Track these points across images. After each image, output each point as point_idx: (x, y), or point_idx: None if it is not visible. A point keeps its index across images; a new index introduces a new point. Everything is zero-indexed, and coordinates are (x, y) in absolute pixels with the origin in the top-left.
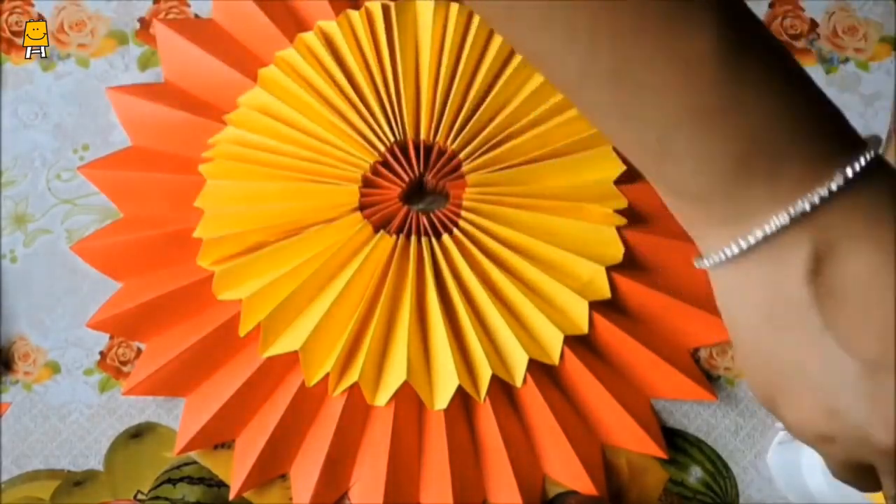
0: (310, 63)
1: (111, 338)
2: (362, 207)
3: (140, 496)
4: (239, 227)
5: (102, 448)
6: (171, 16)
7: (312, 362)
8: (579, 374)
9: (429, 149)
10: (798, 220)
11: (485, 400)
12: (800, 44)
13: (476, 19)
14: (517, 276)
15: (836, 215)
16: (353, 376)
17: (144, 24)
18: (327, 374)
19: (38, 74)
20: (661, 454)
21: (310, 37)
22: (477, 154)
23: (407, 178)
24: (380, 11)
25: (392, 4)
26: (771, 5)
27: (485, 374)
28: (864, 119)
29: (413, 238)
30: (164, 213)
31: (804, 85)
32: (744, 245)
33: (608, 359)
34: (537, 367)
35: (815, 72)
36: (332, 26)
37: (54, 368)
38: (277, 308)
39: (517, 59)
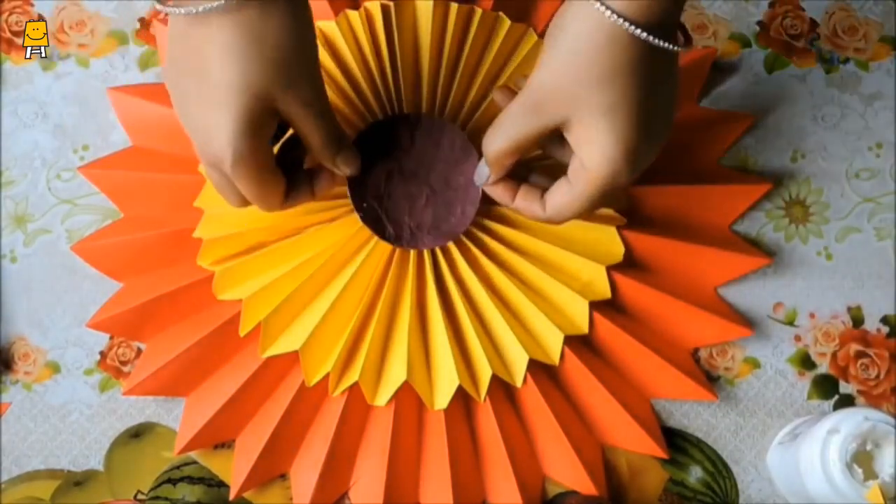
0: None
1: (111, 338)
2: None
3: (140, 496)
4: (239, 227)
5: (102, 448)
6: None
7: (312, 362)
8: (579, 374)
9: None
10: None
11: (485, 400)
12: (800, 44)
13: (476, 19)
14: (517, 275)
15: None
16: (353, 376)
17: (144, 24)
18: (327, 374)
19: (38, 74)
20: (662, 454)
21: None
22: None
23: None
24: (379, 11)
25: (391, 4)
26: (771, 5)
27: (485, 374)
28: (864, 119)
29: None
30: (164, 213)
31: None
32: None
33: (608, 359)
34: (537, 367)
35: (815, 72)
36: (331, 26)
37: (54, 368)
38: (277, 308)
39: (517, 59)
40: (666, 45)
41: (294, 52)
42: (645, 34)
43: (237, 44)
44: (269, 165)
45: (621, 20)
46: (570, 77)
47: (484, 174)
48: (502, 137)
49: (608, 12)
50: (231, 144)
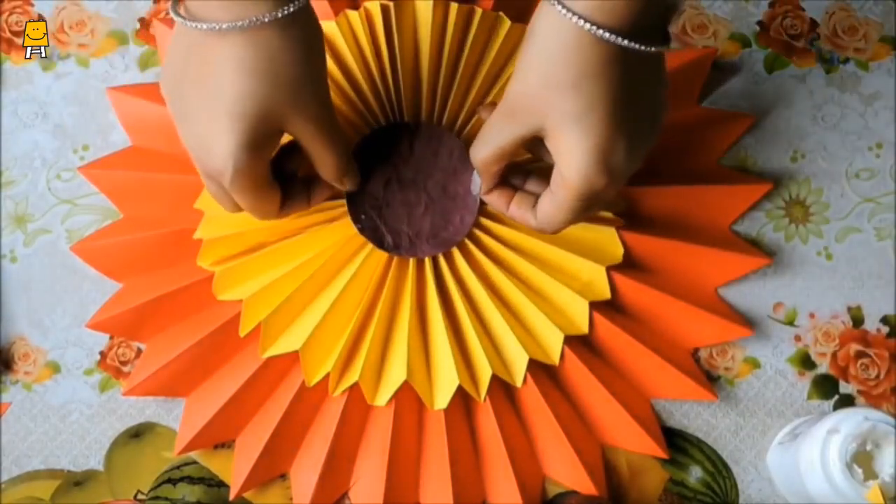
0: None
1: (111, 338)
2: None
3: (140, 496)
4: (239, 227)
5: (102, 448)
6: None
7: (312, 362)
8: (579, 374)
9: None
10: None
11: (485, 400)
12: (800, 44)
13: (476, 19)
14: (517, 276)
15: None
16: (353, 376)
17: (144, 24)
18: (327, 374)
19: (38, 74)
20: (662, 454)
21: None
22: None
23: None
24: (379, 12)
25: (391, 4)
26: (771, 5)
27: (485, 374)
28: (864, 119)
29: None
30: (164, 213)
31: None
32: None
33: (608, 359)
34: (537, 367)
35: (815, 72)
36: (331, 26)
37: (54, 368)
38: (278, 308)
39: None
40: (636, 46)
41: (307, 76)
42: (609, 35)
43: (251, 61)
44: (268, 179)
45: (584, 23)
46: (541, 83)
47: (479, 183)
48: (485, 145)
49: (570, 14)
50: (232, 158)
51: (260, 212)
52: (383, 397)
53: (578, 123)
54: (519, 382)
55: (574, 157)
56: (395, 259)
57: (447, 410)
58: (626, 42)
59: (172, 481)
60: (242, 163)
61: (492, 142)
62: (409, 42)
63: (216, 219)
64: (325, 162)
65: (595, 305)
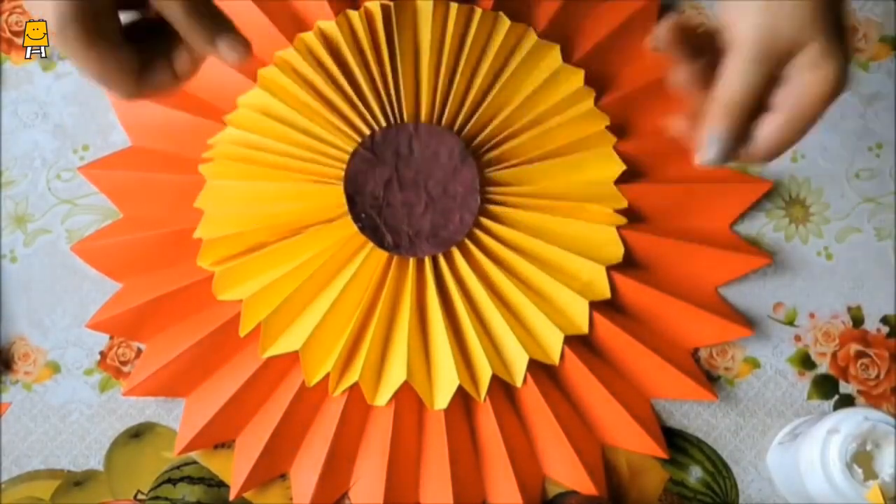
0: (309, 63)
1: (111, 338)
2: None
3: (140, 496)
4: (239, 227)
5: (102, 448)
6: None
7: (312, 362)
8: (579, 374)
9: None
10: None
11: (485, 400)
12: None
13: (476, 19)
14: (517, 276)
15: None
16: (353, 376)
17: None
18: (327, 374)
19: (38, 74)
20: (662, 454)
21: (309, 37)
22: (477, 154)
23: None
24: (379, 11)
25: (391, 4)
26: None
27: (485, 374)
28: (864, 119)
29: None
30: (164, 213)
31: None
32: None
33: (608, 359)
34: (537, 367)
35: None
36: (331, 26)
37: (54, 368)
38: (278, 308)
39: (517, 59)
40: None
41: None
42: None
43: None
44: (106, 33)
45: None
46: (789, 7)
47: (714, 146)
48: (738, 89)
49: None
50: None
51: (106, 76)
52: (383, 397)
53: (834, 25)
54: (519, 382)
55: (834, 62)
56: (395, 259)
57: (447, 410)
58: None
59: (172, 481)
60: (66, 7)
61: (746, 84)
62: (409, 42)
63: (216, 218)
64: (169, 7)
65: (595, 305)
